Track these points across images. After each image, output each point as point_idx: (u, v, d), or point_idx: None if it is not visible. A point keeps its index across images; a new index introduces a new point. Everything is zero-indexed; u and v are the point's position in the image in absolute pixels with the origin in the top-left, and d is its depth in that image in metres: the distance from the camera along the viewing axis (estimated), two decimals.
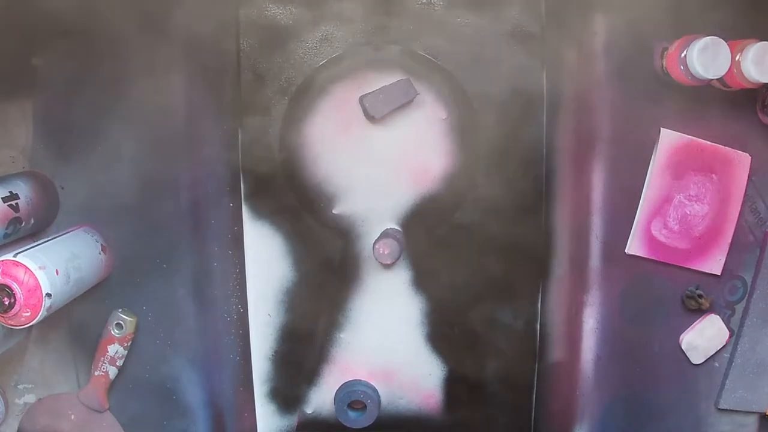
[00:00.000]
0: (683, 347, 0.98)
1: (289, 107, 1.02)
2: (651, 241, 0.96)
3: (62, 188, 0.95)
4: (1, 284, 0.76)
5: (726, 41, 0.85)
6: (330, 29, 1.02)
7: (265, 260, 1.06)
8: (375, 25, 1.01)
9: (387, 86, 0.99)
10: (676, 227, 0.96)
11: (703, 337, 0.97)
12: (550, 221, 1.04)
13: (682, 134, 0.95)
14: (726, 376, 0.98)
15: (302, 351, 1.07)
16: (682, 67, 0.88)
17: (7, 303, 0.76)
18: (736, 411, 0.99)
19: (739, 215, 0.97)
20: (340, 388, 1.07)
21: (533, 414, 1.09)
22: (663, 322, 0.98)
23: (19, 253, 0.79)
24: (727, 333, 0.98)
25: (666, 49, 0.92)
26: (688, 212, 0.96)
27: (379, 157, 1.02)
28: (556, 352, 1.03)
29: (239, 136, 1.04)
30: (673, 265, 0.97)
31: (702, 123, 0.95)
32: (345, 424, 1.05)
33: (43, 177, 0.94)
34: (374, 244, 1.00)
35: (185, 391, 0.98)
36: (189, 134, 0.96)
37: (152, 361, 0.97)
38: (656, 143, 0.95)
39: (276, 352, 1.08)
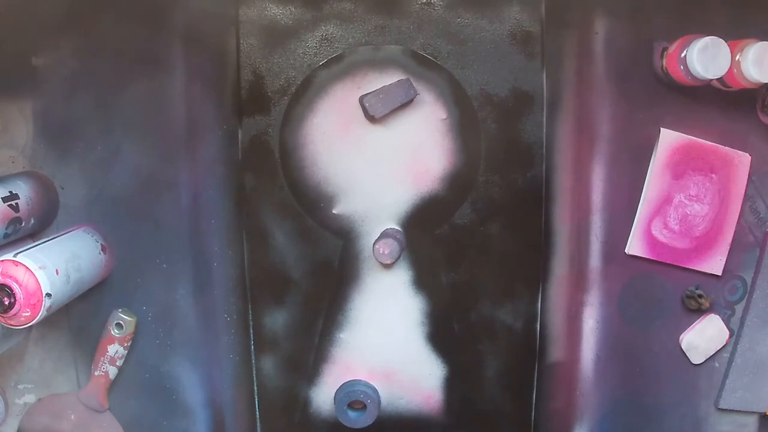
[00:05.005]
0: (683, 347, 0.98)
1: (289, 107, 1.03)
2: (651, 241, 0.96)
3: (62, 188, 0.95)
4: (1, 284, 0.76)
5: (726, 41, 0.85)
6: (330, 29, 1.02)
7: (265, 260, 1.06)
8: (375, 25, 1.02)
9: (387, 86, 0.99)
10: (676, 227, 0.96)
11: (703, 337, 0.97)
12: (550, 221, 1.04)
13: (682, 134, 0.95)
14: (726, 376, 0.98)
15: (302, 351, 1.07)
16: (682, 67, 0.88)
17: (7, 303, 0.76)
18: (736, 411, 0.99)
19: (739, 215, 0.97)
20: (340, 388, 1.07)
21: (533, 414, 1.09)
22: (663, 322, 0.98)
23: (19, 253, 0.79)
24: (727, 333, 0.98)
25: (666, 49, 0.92)
26: (689, 212, 0.96)
27: (379, 157, 1.02)
28: (556, 352, 1.03)
29: (239, 136, 1.04)
30: (673, 265, 0.97)
31: (702, 123, 0.95)
32: (345, 424, 1.05)
33: (43, 177, 0.94)
34: (374, 244, 1.00)
35: (185, 391, 0.98)
36: (189, 134, 0.96)
37: (152, 361, 0.97)
38: (656, 143, 0.95)
39: (276, 352, 1.08)
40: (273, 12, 1.02)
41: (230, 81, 1.02)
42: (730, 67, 0.86)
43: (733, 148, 0.95)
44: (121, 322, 0.94)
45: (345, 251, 1.05)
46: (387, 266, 1.04)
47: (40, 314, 0.77)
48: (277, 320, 1.07)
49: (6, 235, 0.86)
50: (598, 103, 0.95)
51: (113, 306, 0.96)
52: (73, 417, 0.98)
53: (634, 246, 0.96)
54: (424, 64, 1.02)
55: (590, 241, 0.97)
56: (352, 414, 1.05)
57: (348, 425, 1.05)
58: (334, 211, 1.04)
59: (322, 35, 1.02)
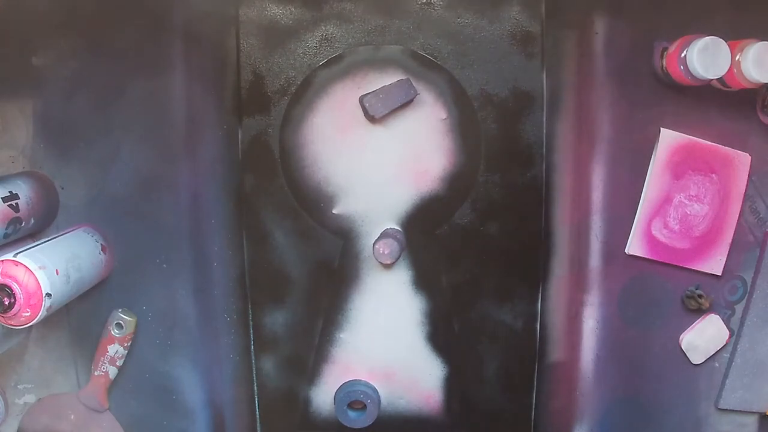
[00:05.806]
0: (683, 347, 0.98)
1: (289, 107, 1.03)
2: (651, 241, 0.96)
3: (62, 188, 0.95)
4: (1, 284, 0.76)
5: (726, 41, 0.85)
6: (330, 29, 1.02)
7: (265, 260, 1.06)
8: (375, 25, 1.02)
9: (387, 86, 0.99)
10: (676, 227, 0.96)
11: (703, 337, 0.97)
12: (550, 221, 1.04)
13: (682, 134, 0.95)
14: (726, 376, 0.98)
15: (302, 351, 1.08)
16: (682, 67, 0.88)
17: (7, 303, 0.76)
18: (736, 411, 0.99)
19: (739, 215, 0.97)
20: (340, 388, 1.07)
21: (533, 414, 1.09)
22: (663, 322, 0.97)
23: (19, 253, 0.79)
24: (727, 333, 0.98)
25: (666, 49, 0.92)
26: (688, 212, 0.96)
27: (379, 157, 1.02)
28: (556, 352, 1.03)
29: (239, 136, 1.04)
30: (673, 265, 0.97)
31: (702, 123, 0.95)
32: (345, 424, 1.05)
33: (43, 177, 0.94)
34: (374, 244, 1.00)
35: (185, 391, 0.98)
36: (189, 134, 0.96)
37: (152, 361, 0.97)
38: (656, 143, 0.95)
39: (276, 352, 1.08)
40: (273, 12, 1.02)
41: (230, 81, 1.02)
42: (730, 67, 0.86)
43: (733, 148, 0.95)
44: (121, 322, 0.94)
45: (345, 251, 1.05)
46: (387, 266, 1.04)
47: (40, 314, 0.77)
48: (277, 320, 1.07)
49: (6, 235, 0.86)
50: (598, 103, 0.95)
51: (113, 306, 0.96)
52: (73, 417, 0.98)
53: (634, 246, 0.96)
54: (424, 64, 1.02)
55: (590, 241, 0.97)
56: (352, 414, 1.05)
57: (348, 425, 1.05)
58: (334, 211, 1.04)
59: (322, 35, 1.02)
